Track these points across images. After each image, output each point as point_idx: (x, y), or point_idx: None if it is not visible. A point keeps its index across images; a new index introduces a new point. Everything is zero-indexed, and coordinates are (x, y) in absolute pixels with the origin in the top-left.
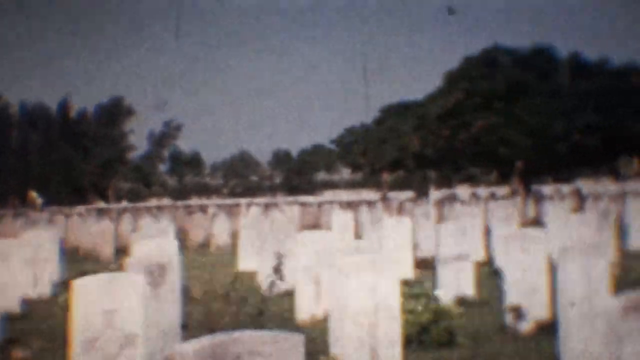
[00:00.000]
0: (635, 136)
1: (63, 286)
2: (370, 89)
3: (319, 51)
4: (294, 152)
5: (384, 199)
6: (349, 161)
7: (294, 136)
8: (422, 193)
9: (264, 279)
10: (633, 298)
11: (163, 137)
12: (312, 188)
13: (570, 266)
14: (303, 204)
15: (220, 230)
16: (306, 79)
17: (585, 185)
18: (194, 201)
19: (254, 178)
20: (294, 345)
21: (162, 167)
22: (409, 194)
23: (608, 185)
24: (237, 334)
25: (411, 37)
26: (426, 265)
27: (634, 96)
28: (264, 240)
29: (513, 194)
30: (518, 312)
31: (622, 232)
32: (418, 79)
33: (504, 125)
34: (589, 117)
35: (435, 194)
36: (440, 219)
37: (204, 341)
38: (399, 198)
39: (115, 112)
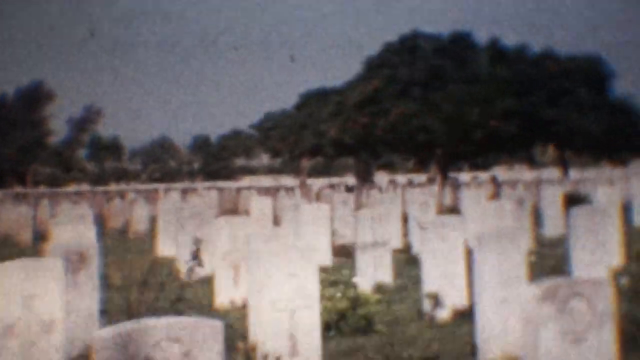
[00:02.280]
0: (550, 123)
1: None
2: (293, 75)
3: (238, 36)
4: (214, 138)
5: (303, 185)
6: (268, 147)
7: (213, 121)
8: (365, 179)
9: (182, 265)
10: (548, 285)
11: (83, 122)
12: (231, 173)
13: (486, 253)
14: (222, 190)
15: (138, 216)
16: (225, 64)
17: (502, 172)
18: (113, 187)
19: (173, 163)
20: (212, 331)
21: (82, 153)
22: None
23: (524, 173)
24: (155, 321)
25: (334, 23)
26: (345, 252)
27: (549, 83)
28: (182, 226)
29: (431, 181)
30: (435, 299)
31: (538, 219)
32: (340, 65)
33: (422, 113)
34: (506, 104)
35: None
36: (359, 205)
37: (123, 328)
38: (318, 184)
39: (35, 97)
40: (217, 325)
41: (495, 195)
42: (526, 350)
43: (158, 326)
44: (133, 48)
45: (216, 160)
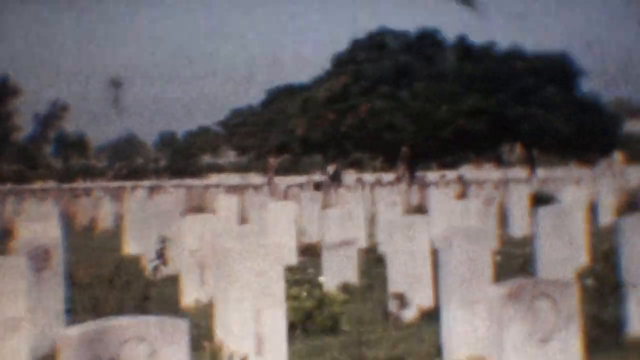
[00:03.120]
0: (517, 121)
1: None
2: (262, 71)
3: (203, 31)
4: (180, 135)
5: (271, 183)
6: (234, 144)
7: (180, 118)
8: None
9: (148, 263)
10: (514, 285)
11: (49, 118)
12: (198, 171)
13: (452, 253)
14: (189, 187)
15: (105, 213)
16: (192, 60)
17: (469, 171)
18: (79, 184)
19: (140, 161)
20: (178, 330)
21: (48, 149)
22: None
23: (491, 172)
24: (121, 320)
25: (302, 19)
26: (312, 251)
27: (517, 81)
28: (148, 223)
29: (399, 180)
30: (401, 300)
31: (505, 218)
32: (309, 62)
33: (389, 110)
34: (473, 102)
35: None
36: (326, 204)
37: (88, 327)
38: (285, 182)
39: (0, 92)
40: (183, 324)
41: (463, 195)
42: (491, 351)
43: (124, 325)
44: (99, 45)
45: (183, 157)
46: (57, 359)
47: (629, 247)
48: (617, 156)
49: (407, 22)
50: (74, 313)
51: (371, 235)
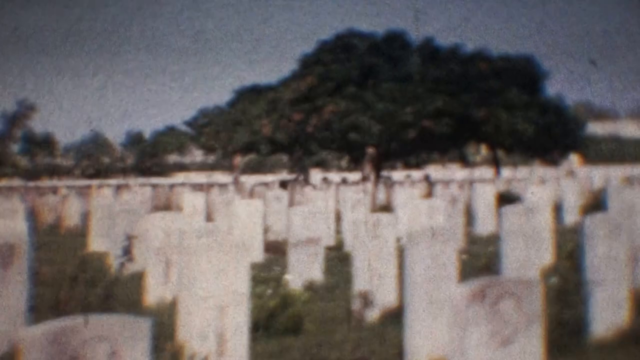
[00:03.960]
0: (481, 122)
1: None
2: (228, 71)
3: (168, 31)
4: (147, 134)
5: (237, 182)
6: (201, 143)
7: (147, 118)
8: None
9: (114, 260)
10: (478, 285)
11: (16, 117)
12: (165, 170)
13: (418, 252)
14: (155, 186)
15: (71, 211)
16: (159, 60)
17: (435, 171)
18: (46, 182)
19: (107, 159)
20: (141, 329)
21: (15, 148)
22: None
23: (457, 172)
24: (84, 318)
25: (270, 19)
26: (277, 249)
27: (481, 82)
28: (115, 222)
29: (364, 179)
30: (366, 298)
31: (470, 218)
32: (276, 62)
33: (354, 111)
34: (438, 103)
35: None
36: (293, 202)
37: (50, 326)
38: (251, 181)
39: None
40: (145, 323)
41: (429, 194)
42: (454, 352)
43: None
44: (66, 43)
45: (150, 156)
46: (17, 358)
47: (593, 246)
48: (574, 158)
49: (377, 24)
50: (37, 311)
51: (337, 233)
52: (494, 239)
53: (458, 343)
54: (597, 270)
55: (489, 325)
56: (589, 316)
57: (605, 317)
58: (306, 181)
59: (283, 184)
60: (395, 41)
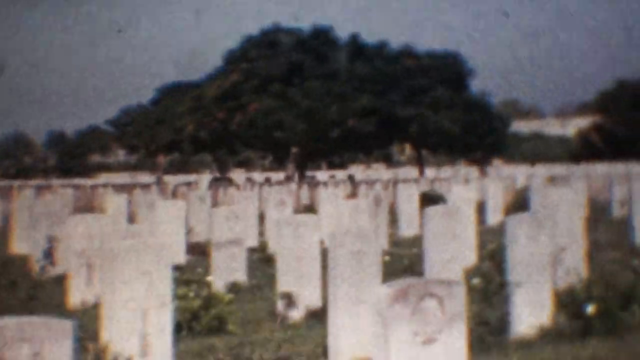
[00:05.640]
0: (407, 121)
1: None
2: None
3: (88, 27)
4: (70, 133)
5: (161, 181)
6: (124, 143)
7: (69, 117)
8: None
9: (36, 263)
10: (401, 285)
11: None
12: (87, 170)
13: (341, 253)
14: (77, 187)
15: None
16: (81, 57)
17: (359, 171)
18: None
19: (28, 159)
20: (63, 331)
21: None
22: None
23: (382, 172)
24: (5, 320)
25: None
26: (200, 250)
27: (407, 80)
28: (36, 224)
29: (288, 179)
30: (289, 299)
31: (394, 218)
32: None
33: (279, 109)
34: (363, 102)
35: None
36: (216, 203)
37: None
38: (175, 181)
39: None
40: (68, 325)
41: (353, 195)
42: (377, 352)
43: (7, 326)
44: None
45: (72, 156)
46: None
47: (515, 246)
48: (495, 160)
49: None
50: None
51: (261, 234)
52: (418, 240)
53: (382, 342)
54: (520, 271)
55: (411, 325)
56: (511, 315)
57: (528, 316)
58: (230, 181)
59: (216, 182)
60: (322, 37)
